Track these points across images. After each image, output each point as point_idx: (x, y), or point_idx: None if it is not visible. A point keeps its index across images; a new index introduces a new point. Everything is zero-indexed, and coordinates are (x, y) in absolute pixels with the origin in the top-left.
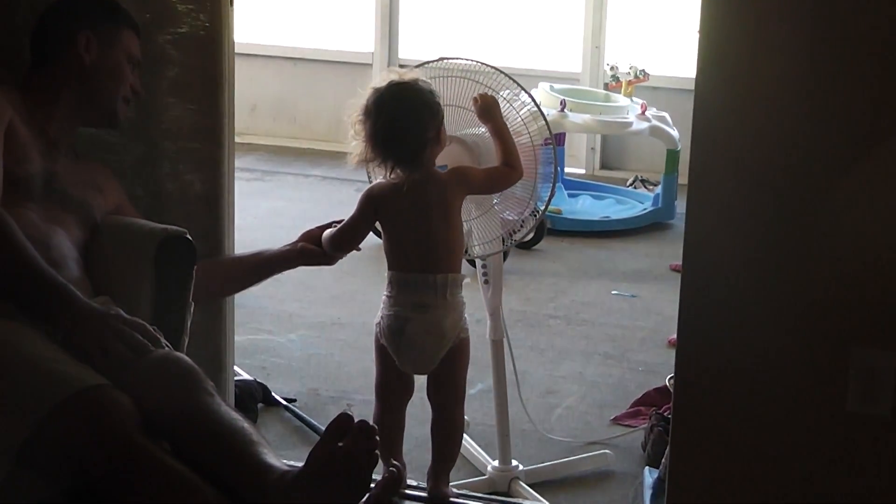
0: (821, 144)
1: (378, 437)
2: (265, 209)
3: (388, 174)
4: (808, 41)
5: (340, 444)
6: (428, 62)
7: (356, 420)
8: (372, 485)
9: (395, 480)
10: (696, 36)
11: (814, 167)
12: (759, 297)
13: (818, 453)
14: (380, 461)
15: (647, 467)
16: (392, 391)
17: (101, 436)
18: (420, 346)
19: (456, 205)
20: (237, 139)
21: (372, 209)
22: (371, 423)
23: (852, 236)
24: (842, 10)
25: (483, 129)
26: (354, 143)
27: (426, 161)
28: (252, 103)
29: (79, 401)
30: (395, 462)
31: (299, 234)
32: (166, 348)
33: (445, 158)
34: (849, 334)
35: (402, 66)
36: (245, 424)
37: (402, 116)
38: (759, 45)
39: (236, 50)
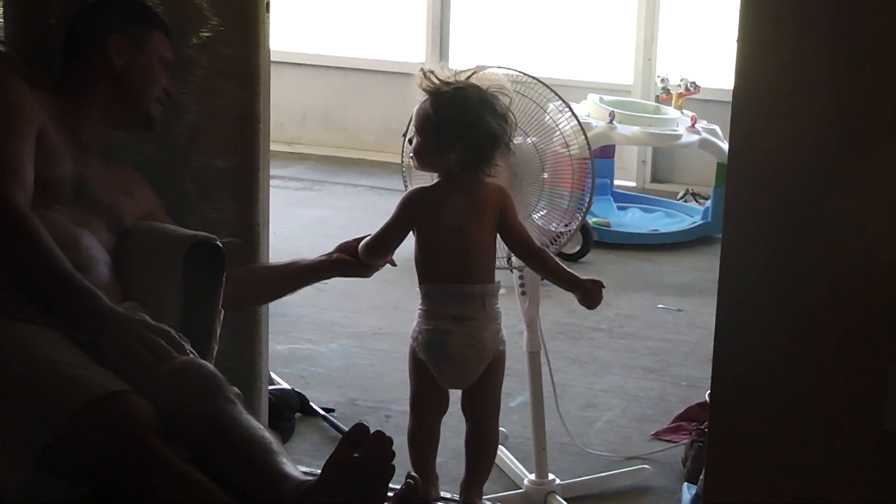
0: (860, 152)
1: (393, 449)
2: (311, 218)
3: (440, 174)
4: (844, 49)
5: (356, 454)
6: (478, 69)
7: (373, 430)
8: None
9: (412, 492)
10: (735, 44)
11: (852, 177)
12: (795, 311)
13: (855, 472)
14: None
15: (685, 483)
16: (427, 405)
17: (121, 442)
18: (461, 359)
19: (494, 217)
20: (286, 148)
21: (410, 214)
22: (406, 435)
23: (892, 249)
24: (877, 16)
25: (521, 139)
26: (414, 138)
27: (485, 166)
28: (302, 113)
29: (99, 406)
30: (412, 474)
31: None
32: (190, 355)
33: None
34: (886, 351)
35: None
36: (265, 433)
37: (478, 116)
38: (795, 54)
39: (286, 59)
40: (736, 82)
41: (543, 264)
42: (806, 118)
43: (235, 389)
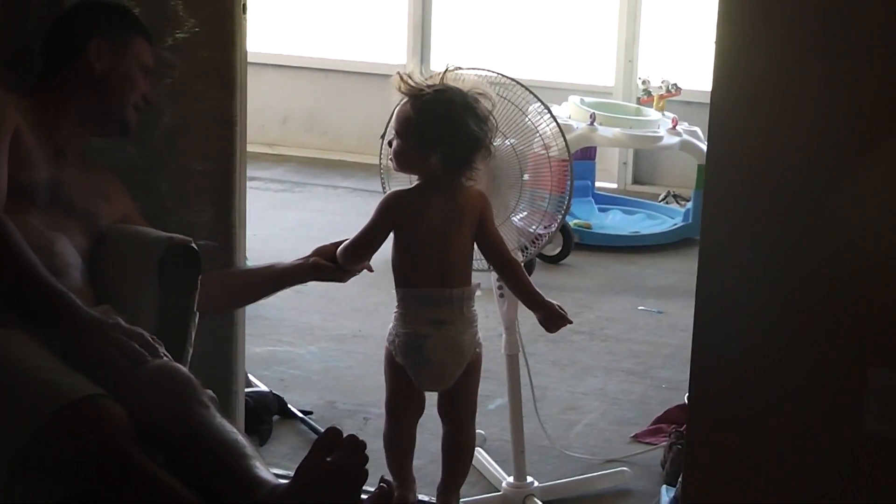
0: (838, 156)
1: (369, 453)
2: (293, 220)
3: (420, 177)
4: (821, 51)
5: (329, 458)
6: (453, 70)
7: (347, 434)
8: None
9: (385, 496)
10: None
11: (830, 180)
12: (774, 313)
13: (834, 475)
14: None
15: (664, 486)
16: (404, 409)
17: (95, 447)
18: (440, 363)
19: (473, 222)
20: (268, 150)
21: (389, 217)
22: (382, 438)
23: (870, 253)
24: (856, 17)
25: (499, 142)
26: (393, 140)
27: (466, 169)
28: (284, 114)
29: (73, 411)
30: (385, 478)
31: None
32: (165, 358)
33: None
34: (866, 353)
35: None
36: (238, 437)
37: (459, 119)
38: (773, 55)
39: (268, 60)
40: (714, 84)
41: (514, 277)
42: (786, 120)
43: (210, 392)
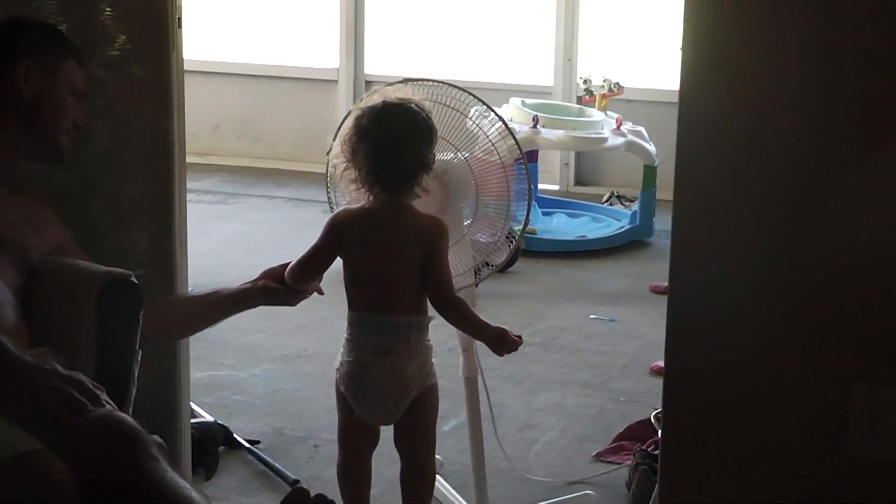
0: (814, 153)
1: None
2: (228, 233)
3: (367, 199)
4: (795, 48)
5: None
6: (391, 84)
7: (328, 495)
8: None
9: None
10: (679, 51)
11: (806, 177)
12: (753, 322)
13: (816, 493)
14: None
15: None
16: (355, 439)
17: None
18: (381, 394)
19: (421, 250)
20: (199, 159)
21: (336, 237)
22: (336, 471)
23: (853, 258)
24: (830, 14)
25: (451, 156)
26: (337, 161)
27: (414, 188)
28: (215, 122)
29: (10, 468)
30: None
31: (264, 258)
32: (107, 406)
33: None
34: (851, 369)
35: (390, 84)
36: (193, 495)
37: (400, 138)
38: (743, 54)
39: (197, 67)
40: (682, 83)
41: (458, 316)
42: (758, 113)
43: (158, 440)
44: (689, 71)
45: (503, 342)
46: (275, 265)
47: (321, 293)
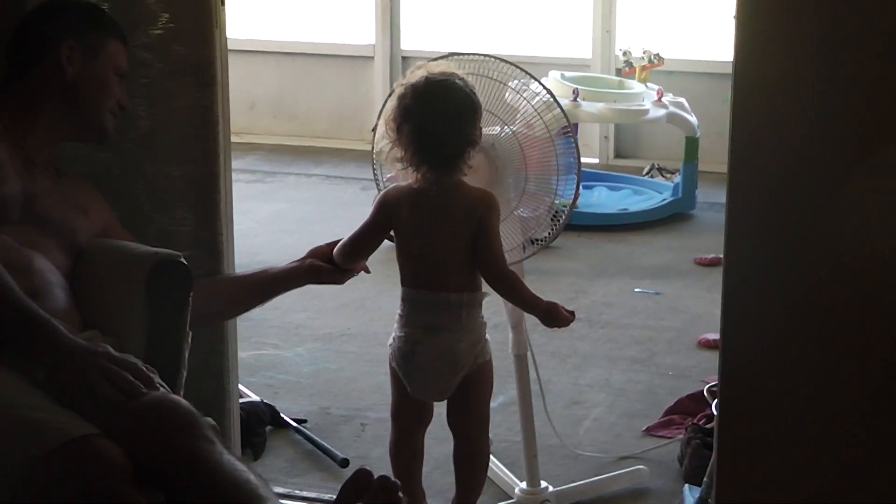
0: (870, 130)
1: (400, 494)
2: (267, 212)
3: (415, 178)
4: (849, 20)
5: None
6: (432, 60)
7: (376, 474)
8: None
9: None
10: (733, 21)
11: (863, 152)
12: (809, 295)
13: (873, 471)
14: None
15: (686, 485)
16: (407, 416)
17: (90, 491)
18: (431, 372)
19: (471, 225)
20: (235, 139)
21: (386, 215)
22: (387, 446)
23: None
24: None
25: (498, 129)
26: (384, 142)
27: (461, 166)
28: (250, 101)
29: (64, 454)
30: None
31: (303, 237)
32: (160, 389)
33: None
34: None
35: (433, 60)
36: (250, 476)
37: (445, 116)
38: (797, 23)
39: (231, 46)
40: (736, 55)
41: (511, 291)
42: (811, 112)
43: (211, 422)
44: (742, 41)
45: (556, 317)
46: (321, 244)
47: (368, 272)
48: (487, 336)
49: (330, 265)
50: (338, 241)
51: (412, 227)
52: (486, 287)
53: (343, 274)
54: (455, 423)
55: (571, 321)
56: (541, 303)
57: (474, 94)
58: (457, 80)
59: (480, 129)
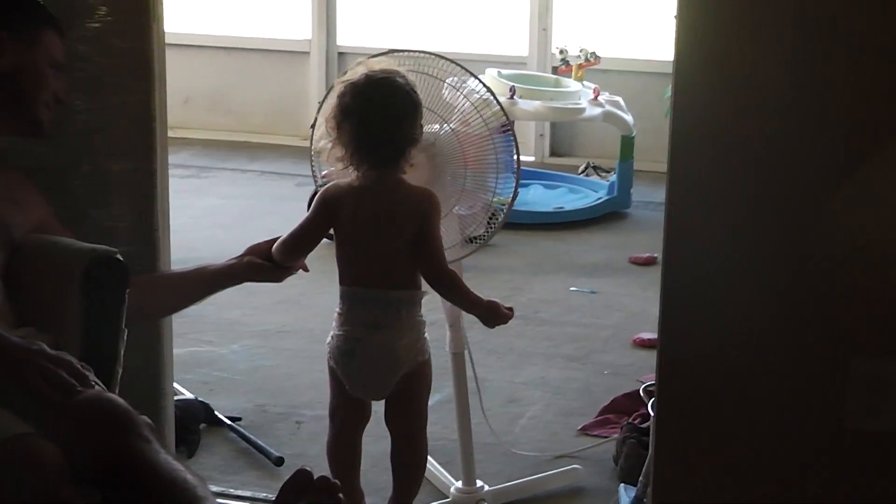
0: (812, 131)
1: (340, 494)
2: (202, 208)
3: (357, 175)
4: (789, 18)
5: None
6: (373, 56)
7: (316, 475)
8: None
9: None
10: (673, 20)
11: (804, 153)
12: (748, 294)
13: (814, 471)
14: None
15: (622, 484)
16: (346, 416)
17: (24, 491)
18: (371, 370)
19: (412, 224)
20: (170, 133)
21: (327, 213)
22: (324, 445)
23: (850, 229)
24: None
25: (438, 127)
26: (323, 141)
27: (401, 164)
28: (185, 95)
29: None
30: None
31: (239, 233)
32: (96, 387)
33: None
34: (849, 343)
35: (373, 56)
36: (188, 476)
37: (385, 115)
38: (738, 22)
39: (167, 40)
40: (676, 53)
41: (453, 288)
42: (751, 92)
43: (147, 420)
44: (683, 40)
45: (496, 315)
46: (260, 241)
47: (307, 270)
48: (427, 334)
49: (268, 262)
50: (276, 239)
51: (353, 225)
52: (425, 286)
53: (282, 271)
54: (393, 422)
55: (511, 318)
56: (481, 302)
57: (415, 92)
58: (398, 78)
59: (421, 127)
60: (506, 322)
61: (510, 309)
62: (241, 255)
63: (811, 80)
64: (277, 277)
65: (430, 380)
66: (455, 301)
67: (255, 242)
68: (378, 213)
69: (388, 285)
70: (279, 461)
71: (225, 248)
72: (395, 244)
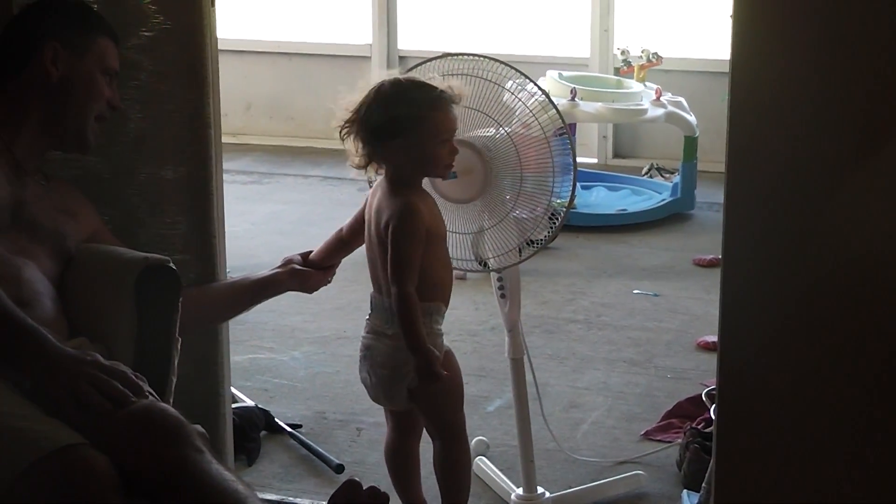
0: (871, 128)
1: (387, 500)
2: (263, 214)
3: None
4: (844, 21)
5: None
6: (427, 61)
7: (366, 486)
8: None
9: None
10: (729, 20)
11: (864, 151)
12: (809, 296)
13: (884, 476)
14: None
15: (685, 490)
16: (394, 423)
17: (75, 501)
18: (377, 378)
19: (385, 233)
20: (232, 140)
21: (361, 212)
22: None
23: None
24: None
25: (492, 131)
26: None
27: (383, 159)
28: (247, 102)
29: (51, 463)
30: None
31: (299, 239)
32: (150, 398)
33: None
34: None
35: (429, 60)
36: (239, 487)
37: (370, 115)
38: (795, 21)
39: (227, 47)
40: (733, 54)
41: (402, 312)
42: (809, 110)
43: (201, 430)
44: (739, 40)
45: (428, 368)
46: (294, 254)
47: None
48: (447, 345)
49: (309, 269)
50: (310, 252)
51: (365, 227)
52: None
53: (324, 275)
54: (427, 430)
55: (439, 381)
56: (422, 345)
57: (419, 90)
58: (404, 80)
59: (418, 133)
60: (435, 381)
61: (445, 372)
62: (283, 264)
63: (868, 81)
64: (322, 279)
65: (453, 388)
66: (401, 327)
67: (289, 255)
68: (370, 218)
69: (390, 293)
70: (339, 468)
71: (283, 254)
72: (381, 251)
